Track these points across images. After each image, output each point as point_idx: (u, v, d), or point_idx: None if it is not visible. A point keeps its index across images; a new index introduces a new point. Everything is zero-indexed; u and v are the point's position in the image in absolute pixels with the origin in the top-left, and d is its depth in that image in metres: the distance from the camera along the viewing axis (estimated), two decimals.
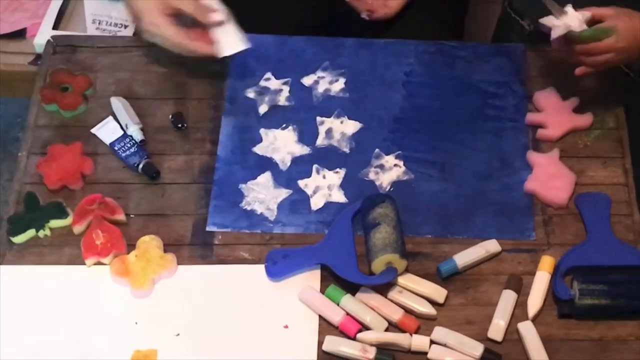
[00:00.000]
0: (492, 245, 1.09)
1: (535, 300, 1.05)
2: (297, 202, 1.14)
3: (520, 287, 1.07)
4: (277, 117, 1.22)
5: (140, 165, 1.15)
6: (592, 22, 1.10)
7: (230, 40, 1.19)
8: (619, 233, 1.10)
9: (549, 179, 1.14)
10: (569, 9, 1.10)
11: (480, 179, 1.16)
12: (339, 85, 1.25)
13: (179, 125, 1.19)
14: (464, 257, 1.08)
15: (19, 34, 1.57)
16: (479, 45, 1.28)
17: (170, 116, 1.20)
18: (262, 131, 1.20)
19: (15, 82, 1.55)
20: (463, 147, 1.19)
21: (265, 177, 1.16)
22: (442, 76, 1.25)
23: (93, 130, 1.20)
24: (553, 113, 1.20)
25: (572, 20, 1.10)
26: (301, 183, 1.16)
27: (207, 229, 1.12)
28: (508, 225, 1.12)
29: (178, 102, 1.23)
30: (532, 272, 1.08)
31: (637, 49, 1.10)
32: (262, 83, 1.25)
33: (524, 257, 1.09)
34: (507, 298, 1.06)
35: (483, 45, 1.28)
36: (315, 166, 1.17)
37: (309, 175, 1.16)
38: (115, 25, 1.54)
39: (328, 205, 1.14)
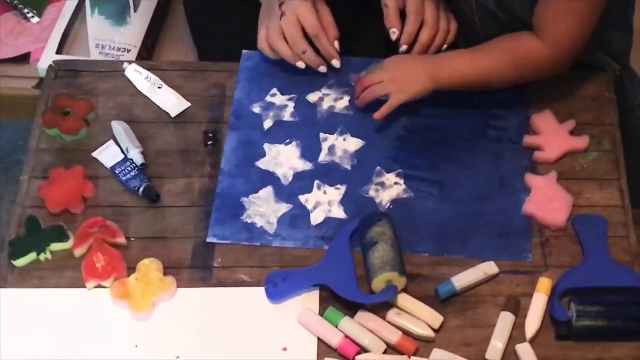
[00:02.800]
0: (489, 267, 1.10)
1: (533, 322, 1.06)
2: (297, 216, 1.16)
3: (518, 308, 1.07)
4: (281, 133, 1.23)
5: (141, 189, 1.16)
6: None
7: (173, 102, 1.25)
8: (615, 254, 1.11)
9: (547, 201, 1.15)
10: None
11: (479, 199, 1.17)
12: (343, 102, 1.26)
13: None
14: (461, 279, 1.09)
15: (23, 58, 1.58)
16: None
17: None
18: (265, 146, 1.22)
19: (19, 105, 1.56)
20: (463, 167, 1.20)
21: (267, 191, 1.18)
22: (445, 96, 1.25)
23: (94, 154, 1.21)
24: (550, 135, 1.21)
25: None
26: (302, 198, 1.17)
27: (207, 240, 1.13)
28: (505, 246, 1.13)
29: (178, 126, 1.24)
30: (529, 294, 1.08)
31: (407, 78, 1.20)
32: (268, 98, 1.27)
33: (521, 279, 1.10)
34: (505, 320, 1.06)
35: None
36: (316, 182, 1.18)
37: (310, 191, 1.18)
38: (118, 49, 1.55)
39: (327, 220, 1.15)
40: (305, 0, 1.25)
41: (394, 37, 1.26)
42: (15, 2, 1.61)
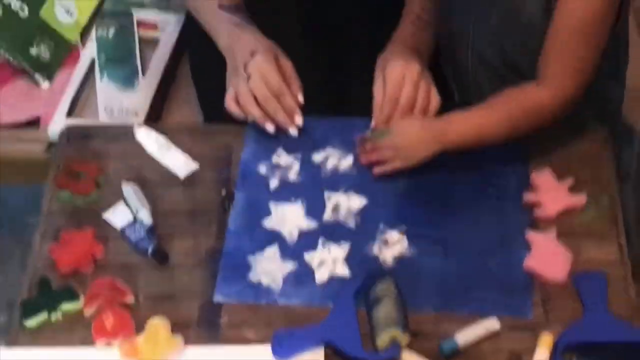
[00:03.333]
0: (492, 323, 1.12)
1: None
2: (302, 275, 1.18)
3: None
4: (286, 192, 1.26)
5: (150, 250, 1.19)
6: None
7: (181, 163, 1.28)
8: (615, 310, 1.12)
9: (548, 257, 1.17)
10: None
11: (481, 256, 1.19)
12: (347, 162, 1.29)
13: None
14: (464, 336, 1.10)
15: (34, 123, 1.63)
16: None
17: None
18: (271, 205, 1.25)
19: (29, 169, 1.59)
20: (465, 224, 1.22)
21: (273, 250, 1.20)
22: (446, 155, 1.27)
23: (105, 215, 1.24)
24: (549, 193, 1.23)
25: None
26: (307, 256, 1.19)
27: (214, 299, 1.15)
28: (508, 302, 1.14)
29: (187, 187, 1.27)
30: (531, 350, 1.09)
31: (413, 145, 1.23)
32: (274, 159, 1.30)
33: (523, 335, 1.11)
34: None
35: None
36: (321, 240, 1.21)
37: (315, 249, 1.20)
38: (127, 113, 1.59)
39: (332, 278, 1.17)
40: (267, 58, 1.29)
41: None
42: (27, 68, 1.66)
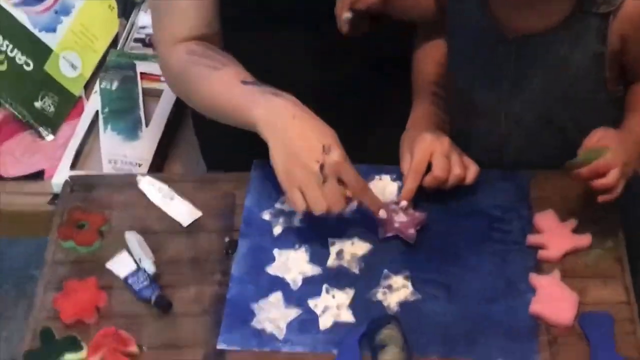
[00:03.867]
0: None
1: None
2: (306, 321, 1.17)
3: None
4: (290, 238, 1.26)
5: (153, 299, 1.19)
6: None
7: (185, 212, 1.27)
8: (623, 351, 1.11)
9: (553, 300, 1.16)
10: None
11: (486, 301, 1.18)
12: (351, 207, 1.28)
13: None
14: None
15: (38, 175, 1.64)
16: (486, 170, 1.30)
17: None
18: (275, 252, 1.24)
19: (33, 222, 1.60)
20: (469, 269, 1.22)
21: (277, 297, 1.19)
22: (450, 200, 1.28)
23: (108, 265, 1.24)
24: (553, 234, 1.23)
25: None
26: (311, 303, 1.19)
27: (218, 346, 1.14)
28: (513, 347, 1.13)
29: (190, 235, 1.27)
30: None
31: (635, 156, 1.16)
32: (278, 205, 1.30)
33: None
34: None
35: (490, 170, 1.31)
36: (325, 286, 1.20)
37: (318, 295, 1.19)
38: (130, 163, 1.60)
39: (336, 325, 1.16)
40: (347, 160, 1.18)
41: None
42: (31, 121, 1.67)
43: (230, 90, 1.25)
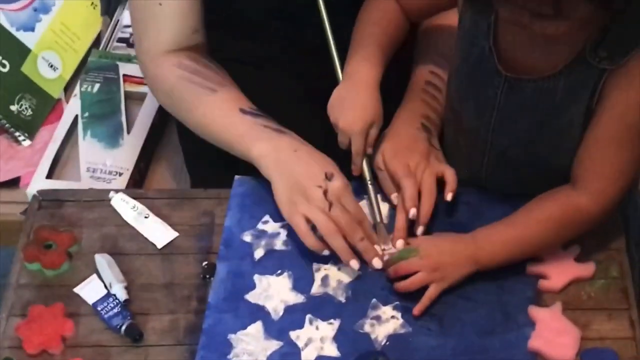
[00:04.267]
0: None
1: None
2: (288, 354, 1.09)
3: None
4: (272, 262, 1.18)
5: (123, 327, 1.11)
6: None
7: (159, 232, 1.21)
8: None
9: (554, 335, 1.09)
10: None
11: (482, 335, 1.10)
12: None
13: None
14: None
15: (13, 183, 1.56)
16: (483, 191, 1.24)
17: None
18: (256, 277, 1.17)
19: (8, 231, 1.52)
20: (464, 299, 1.14)
21: (256, 328, 1.12)
22: (444, 222, 1.21)
23: (76, 290, 1.16)
24: (554, 263, 1.15)
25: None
26: (293, 334, 1.11)
27: None
28: None
29: (165, 258, 1.19)
30: None
31: (449, 264, 1.12)
32: (260, 226, 1.22)
33: None
34: None
35: (487, 191, 1.24)
36: (308, 316, 1.12)
37: (301, 326, 1.12)
38: (110, 172, 1.52)
39: (320, 359, 1.09)
40: (345, 184, 1.17)
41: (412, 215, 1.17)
42: (7, 125, 1.59)
43: (228, 119, 1.23)
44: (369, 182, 1.20)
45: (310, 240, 1.15)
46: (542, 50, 1.07)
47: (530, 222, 1.13)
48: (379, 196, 1.21)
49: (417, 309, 1.12)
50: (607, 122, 1.08)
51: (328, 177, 1.17)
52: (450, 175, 1.19)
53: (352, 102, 1.19)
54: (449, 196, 1.18)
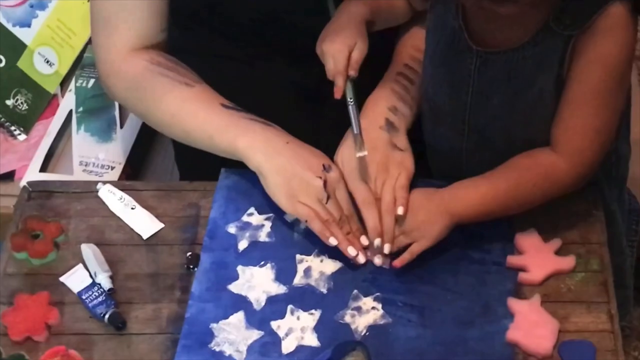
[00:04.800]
0: None
1: None
2: (268, 344, 1.10)
3: None
4: (256, 254, 1.19)
5: (107, 316, 1.12)
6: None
7: (145, 223, 1.22)
8: None
9: (532, 327, 1.09)
10: None
11: (461, 326, 1.11)
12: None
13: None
14: None
15: (8, 176, 1.58)
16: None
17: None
18: (239, 268, 1.18)
19: (2, 225, 1.54)
20: (444, 290, 1.14)
21: (238, 317, 1.13)
22: None
23: (62, 279, 1.17)
24: (535, 255, 1.15)
25: None
26: (274, 324, 1.12)
27: None
28: None
29: (150, 248, 1.20)
30: None
31: (423, 222, 1.13)
32: (245, 218, 1.23)
33: None
34: None
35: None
36: (290, 307, 1.13)
37: (282, 316, 1.13)
38: (102, 166, 1.54)
39: (300, 349, 1.10)
40: (340, 176, 1.18)
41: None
42: (3, 119, 1.61)
43: (209, 110, 1.22)
44: (349, 103, 1.18)
45: (318, 225, 1.15)
46: (509, 23, 1.09)
47: (505, 174, 1.14)
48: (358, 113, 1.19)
49: (397, 262, 1.13)
50: (579, 83, 1.09)
51: (326, 168, 1.18)
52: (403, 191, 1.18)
53: (335, 29, 1.18)
54: (399, 210, 1.16)
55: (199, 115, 1.22)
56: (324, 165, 1.18)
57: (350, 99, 1.18)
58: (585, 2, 1.06)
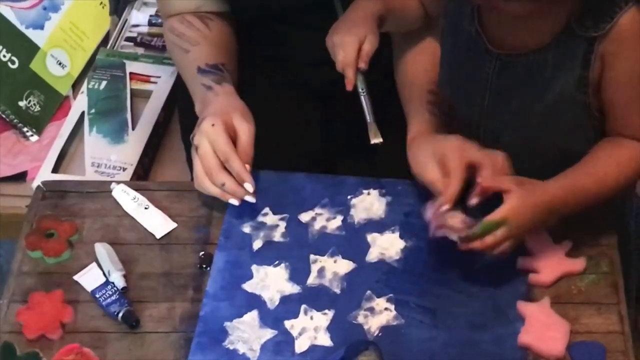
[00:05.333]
0: None
1: None
2: (282, 343, 1.11)
3: None
4: (270, 254, 1.20)
5: (120, 314, 1.13)
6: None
7: (159, 223, 1.23)
8: None
9: (543, 330, 1.10)
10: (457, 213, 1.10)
11: (473, 328, 1.12)
12: (336, 222, 1.23)
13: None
14: None
15: (21, 177, 1.59)
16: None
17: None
18: (253, 267, 1.18)
19: (16, 224, 1.54)
20: (457, 292, 1.15)
21: (252, 316, 1.13)
22: None
23: (76, 277, 1.18)
24: (545, 257, 1.16)
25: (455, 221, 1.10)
26: (287, 324, 1.13)
27: None
28: None
29: (163, 248, 1.21)
30: None
31: (531, 229, 1.10)
32: (259, 218, 1.24)
33: None
34: None
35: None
36: (303, 306, 1.14)
37: (296, 316, 1.13)
38: (114, 167, 1.55)
39: (313, 348, 1.10)
40: (215, 125, 1.18)
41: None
42: (15, 120, 1.62)
43: (189, 77, 1.32)
44: (361, 93, 1.18)
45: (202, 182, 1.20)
46: (528, 25, 1.10)
47: (593, 169, 1.12)
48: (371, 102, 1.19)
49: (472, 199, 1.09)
50: (624, 65, 1.09)
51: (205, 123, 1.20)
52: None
53: (346, 22, 1.19)
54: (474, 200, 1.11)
55: (186, 82, 1.34)
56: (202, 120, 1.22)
57: (362, 89, 1.18)
58: (606, 4, 1.07)
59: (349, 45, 1.16)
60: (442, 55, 1.22)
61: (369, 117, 1.18)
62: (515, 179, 1.11)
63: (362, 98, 1.18)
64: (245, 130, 1.20)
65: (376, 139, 1.17)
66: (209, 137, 1.18)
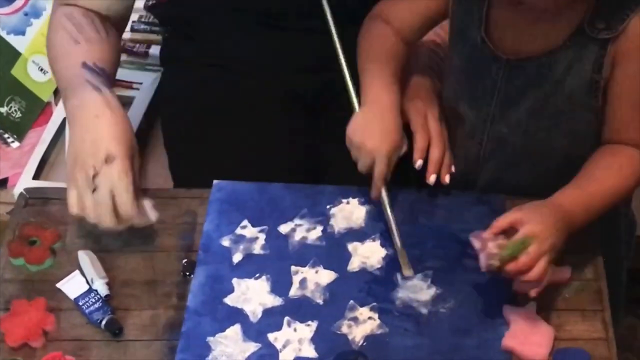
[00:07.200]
0: None
1: None
2: (266, 356, 1.10)
3: None
4: (251, 266, 1.19)
5: (103, 322, 1.12)
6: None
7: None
8: None
9: (527, 334, 1.10)
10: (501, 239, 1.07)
11: (458, 334, 1.12)
12: (316, 233, 1.23)
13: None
14: None
15: (1, 184, 1.58)
16: (459, 194, 1.26)
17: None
18: (234, 281, 1.18)
19: None
20: (440, 299, 1.15)
21: (235, 330, 1.12)
22: (421, 225, 1.23)
23: (59, 285, 1.17)
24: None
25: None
26: (271, 336, 1.12)
27: None
28: None
29: (146, 255, 1.21)
30: None
31: (564, 236, 1.08)
32: (238, 231, 1.23)
33: None
34: None
35: (463, 193, 1.27)
36: (286, 318, 1.13)
37: (279, 328, 1.13)
38: None
39: None
40: (124, 176, 1.13)
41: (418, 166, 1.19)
42: None
43: (68, 69, 1.22)
44: (388, 209, 1.20)
45: (74, 208, 1.14)
46: (540, 28, 1.11)
47: (600, 176, 1.12)
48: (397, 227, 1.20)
49: (534, 294, 1.09)
50: (630, 84, 1.10)
51: (107, 160, 1.13)
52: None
53: (379, 126, 1.18)
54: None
55: (60, 73, 1.24)
56: (107, 157, 1.13)
57: (389, 206, 1.19)
58: (618, 4, 1.08)
59: (383, 158, 1.16)
60: (449, 66, 1.22)
61: (399, 242, 1.18)
62: (515, 208, 1.10)
63: (390, 215, 1.19)
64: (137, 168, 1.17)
65: (408, 272, 1.17)
66: (116, 189, 1.13)
